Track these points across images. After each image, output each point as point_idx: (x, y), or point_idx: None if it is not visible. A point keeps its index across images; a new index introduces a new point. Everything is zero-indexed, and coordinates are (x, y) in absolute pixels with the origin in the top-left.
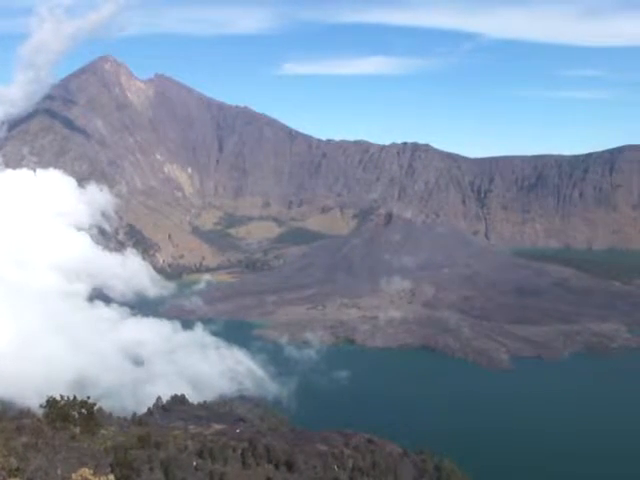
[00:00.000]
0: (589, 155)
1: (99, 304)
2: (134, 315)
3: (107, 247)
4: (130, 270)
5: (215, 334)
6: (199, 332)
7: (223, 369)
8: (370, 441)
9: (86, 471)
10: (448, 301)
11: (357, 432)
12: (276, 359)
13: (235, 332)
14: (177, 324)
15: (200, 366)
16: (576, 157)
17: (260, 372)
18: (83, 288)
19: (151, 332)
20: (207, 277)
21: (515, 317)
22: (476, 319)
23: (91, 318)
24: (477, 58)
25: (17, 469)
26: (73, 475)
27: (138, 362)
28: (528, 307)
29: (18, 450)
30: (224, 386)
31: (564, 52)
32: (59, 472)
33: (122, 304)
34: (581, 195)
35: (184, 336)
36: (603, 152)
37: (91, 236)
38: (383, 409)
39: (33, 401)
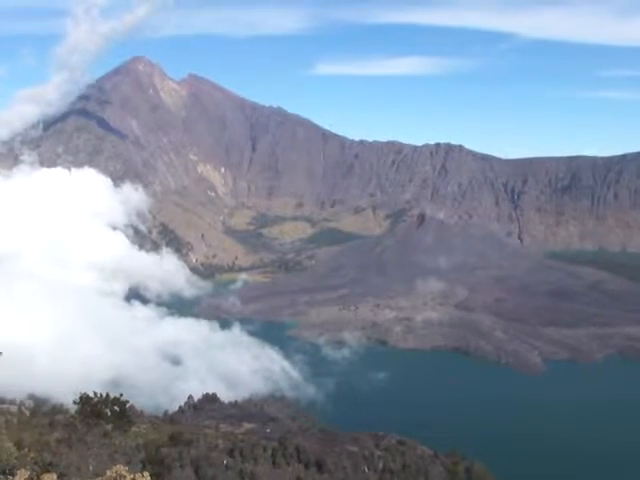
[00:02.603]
0: (624, 156)
1: (136, 303)
2: (170, 314)
3: (142, 247)
4: (166, 270)
5: (250, 334)
6: (235, 331)
7: (257, 368)
8: (401, 442)
9: (121, 468)
10: (481, 303)
11: (388, 433)
12: (309, 359)
13: (269, 332)
14: (213, 323)
15: (235, 365)
16: (611, 158)
17: (294, 372)
18: (120, 287)
19: (187, 331)
20: (243, 276)
21: (548, 320)
22: (509, 321)
23: (128, 317)
24: (511, 58)
25: (50, 464)
26: (108, 471)
27: (174, 361)
28: (561, 310)
29: (51, 445)
30: (258, 385)
31: (599, 52)
32: (91, 468)
33: (158, 304)
34: (616, 196)
35: (220, 335)
36: (638, 153)
37: (126, 235)
38: (415, 411)
39: (67, 398)
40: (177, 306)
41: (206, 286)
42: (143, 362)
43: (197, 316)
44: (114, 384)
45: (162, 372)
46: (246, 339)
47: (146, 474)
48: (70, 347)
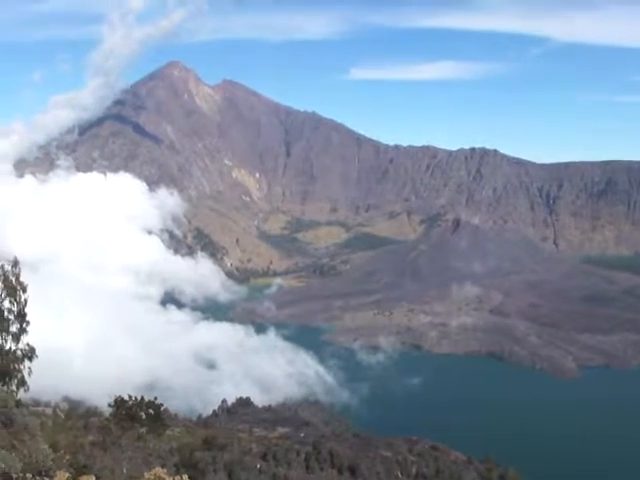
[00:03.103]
0: None
1: (171, 307)
2: (205, 319)
3: (177, 251)
4: (201, 274)
5: (285, 338)
6: (270, 336)
7: (292, 373)
8: (434, 448)
9: (160, 470)
10: (515, 308)
11: (421, 438)
12: (344, 364)
13: (303, 336)
14: (248, 328)
15: (269, 369)
16: None
17: (328, 377)
18: (155, 291)
19: (222, 335)
20: (278, 281)
21: (583, 325)
22: (543, 327)
23: (163, 321)
24: (546, 62)
25: (84, 466)
26: (146, 474)
27: (209, 365)
28: (597, 315)
29: (85, 448)
30: (292, 390)
31: (634, 56)
32: (125, 471)
33: (193, 308)
34: None
35: (255, 340)
36: None
37: (162, 240)
38: (449, 415)
39: (102, 401)
40: (212, 310)
41: (241, 290)
42: (178, 366)
43: (232, 320)
44: (149, 387)
45: (197, 376)
46: (281, 343)
47: (185, 477)
48: (105, 350)
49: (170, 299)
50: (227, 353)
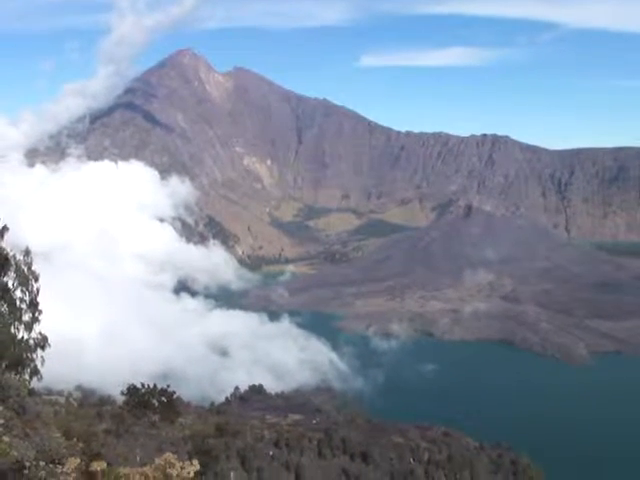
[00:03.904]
0: None
1: (184, 295)
2: (219, 307)
3: (189, 239)
4: (214, 262)
5: (298, 325)
6: (284, 323)
7: (304, 359)
8: (446, 434)
9: (170, 456)
10: (527, 294)
11: (433, 425)
12: (356, 351)
13: (316, 323)
14: (261, 315)
15: (282, 357)
16: None
17: (340, 364)
18: (168, 279)
19: (236, 323)
20: (291, 268)
21: (595, 312)
22: (555, 313)
23: (177, 309)
24: (557, 48)
25: (98, 454)
26: (156, 459)
27: (223, 353)
28: (608, 302)
29: (99, 436)
30: (305, 377)
31: None
32: (138, 459)
33: (206, 296)
34: None
35: (268, 327)
36: None
37: (174, 228)
38: (462, 402)
39: (116, 390)
40: (225, 298)
41: (253, 278)
42: (191, 354)
43: (245, 308)
44: (162, 376)
45: (210, 364)
46: (294, 331)
47: (195, 462)
48: (119, 339)
49: (183, 287)
50: (240, 341)
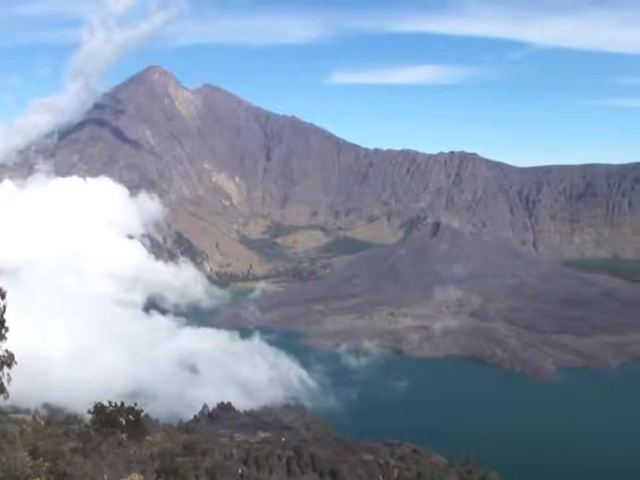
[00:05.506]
0: (638, 164)
1: (154, 313)
2: (189, 324)
3: (159, 256)
4: (184, 279)
5: (269, 343)
6: (254, 341)
7: (274, 377)
8: (415, 451)
9: (136, 476)
10: (495, 311)
11: (403, 442)
12: (325, 368)
13: (287, 341)
14: (232, 333)
15: (252, 374)
16: (625, 166)
17: (310, 381)
18: (137, 297)
19: (207, 341)
20: (262, 285)
21: (563, 328)
22: (523, 329)
23: (146, 328)
24: (526, 66)
25: (65, 474)
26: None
27: (193, 370)
28: (576, 318)
29: (66, 455)
30: (275, 394)
31: (613, 60)
32: (106, 477)
33: (176, 314)
34: (630, 204)
35: (239, 345)
36: None
37: (143, 245)
38: (431, 419)
39: (84, 408)
40: (195, 315)
41: (223, 295)
42: (161, 372)
43: (216, 325)
44: (132, 394)
45: (179, 381)
46: (265, 348)
47: None
48: (88, 357)
49: (153, 305)
50: (210, 358)
